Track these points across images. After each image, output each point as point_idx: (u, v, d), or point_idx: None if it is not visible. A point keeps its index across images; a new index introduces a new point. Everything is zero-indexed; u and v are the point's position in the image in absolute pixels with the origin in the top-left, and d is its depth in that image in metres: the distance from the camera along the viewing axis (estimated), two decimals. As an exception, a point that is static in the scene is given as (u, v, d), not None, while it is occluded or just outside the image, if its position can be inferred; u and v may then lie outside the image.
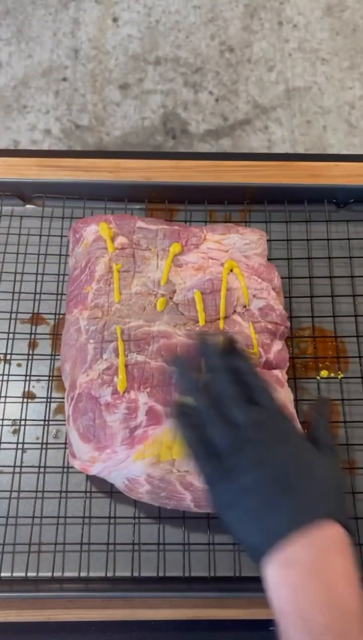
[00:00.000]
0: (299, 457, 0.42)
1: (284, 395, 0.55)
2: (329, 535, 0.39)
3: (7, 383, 0.61)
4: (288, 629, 0.37)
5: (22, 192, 0.68)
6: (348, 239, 0.67)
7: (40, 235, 0.67)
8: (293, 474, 0.41)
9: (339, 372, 0.62)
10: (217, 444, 0.42)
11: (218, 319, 0.56)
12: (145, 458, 0.50)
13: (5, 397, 0.60)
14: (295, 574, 0.38)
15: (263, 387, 0.44)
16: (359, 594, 0.38)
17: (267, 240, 0.62)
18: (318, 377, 0.62)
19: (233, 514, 0.41)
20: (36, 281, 0.64)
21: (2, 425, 0.59)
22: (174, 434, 0.49)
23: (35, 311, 0.64)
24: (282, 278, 0.61)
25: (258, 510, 0.40)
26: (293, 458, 0.42)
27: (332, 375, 0.62)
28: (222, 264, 0.58)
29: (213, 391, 0.44)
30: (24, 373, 0.61)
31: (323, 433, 0.46)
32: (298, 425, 0.48)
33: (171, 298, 0.56)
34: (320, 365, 0.62)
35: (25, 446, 0.59)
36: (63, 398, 0.60)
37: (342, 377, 0.62)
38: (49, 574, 0.54)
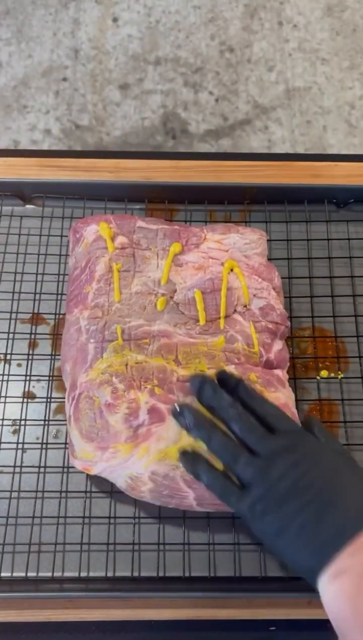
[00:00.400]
0: (332, 471, 0.42)
1: (286, 395, 0.55)
2: None
3: (7, 383, 0.61)
4: (348, 633, 0.38)
5: (22, 192, 0.68)
6: (348, 239, 0.67)
7: (40, 235, 0.67)
8: (331, 488, 0.41)
9: (339, 372, 0.62)
10: (243, 477, 0.43)
11: (219, 318, 0.56)
12: (151, 455, 0.50)
13: (5, 397, 0.60)
14: (349, 582, 0.38)
15: (276, 412, 0.45)
16: None
17: (267, 240, 0.62)
18: (318, 377, 0.62)
19: (282, 541, 0.41)
20: (36, 281, 0.64)
21: (2, 425, 0.59)
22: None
23: (35, 311, 0.64)
24: (282, 278, 0.61)
25: (306, 531, 0.40)
26: (326, 473, 0.42)
27: (332, 375, 0.62)
28: (222, 264, 0.58)
29: (225, 429, 0.45)
30: (24, 373, 0.61)
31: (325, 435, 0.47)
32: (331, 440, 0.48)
33: (171, 297, 0.56)
34: (320, 365, 0.62)
35: (25, 446, 0.59)
36: (63, 398, 0.60)
37: (342, 377, 0.62)
38: (49, 574, 0.54)
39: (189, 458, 0.47)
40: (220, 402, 0.46)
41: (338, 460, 0.44)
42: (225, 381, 0.49)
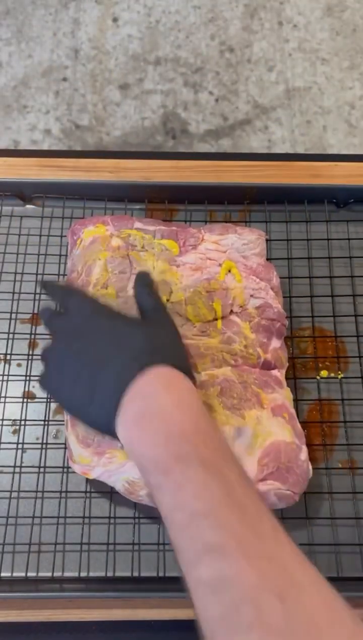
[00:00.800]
0: (114, 329, 0.44)
1: (283, 396, 0.54)
2: (162, 374, 0.41)
3: (7, 383, 0.61)
4: (146, 475, 0.39)
5: (22, 192, 0.68)
6: (348, 239, 0.67)
7: (40, 235, 0.67)
8: (109, 344, 0.43)
9: (339, 372, 0.62)
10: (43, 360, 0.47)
11: (216, 320, 0.56)
12: None
13: (5, 397, 0.60)
14: (133, 414, 0.40)
15: (71, 296, 0.48)
16: (195, 414, 0.40)
17: (267, 240, 0.62)
18: (318, 377, 0.62)
19: (80, 410, 0.44)
20: (36, 281, 0.64)
21: (2, 425, 0.59)
22: None
23: (35, 311, 0.64)
24: (281, 278, 0.61)
25: (92, 390, 0.42)
26: (107, 331, 0.44)
27: (332, 375, 0.62)
28: (220, 265, 0.58)
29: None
30: (24, 373, 0.61)
31: (146, 299, 0.49)
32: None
33: (168, 299, 0.56)
34: (320, 365, 0.62)
35: (25, 446, 0.59)
36: (63, 398, 0.60)
37: (342, 377, 0.62)
38: (49, 574, 0.54)
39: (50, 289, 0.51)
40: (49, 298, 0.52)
41: (121, 322, 0.46)
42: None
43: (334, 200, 0.69)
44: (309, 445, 0.55)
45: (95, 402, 0.42)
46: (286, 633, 0.30)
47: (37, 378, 0.47)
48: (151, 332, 0.45)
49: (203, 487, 0.35)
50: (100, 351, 0.43)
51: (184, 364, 0.44)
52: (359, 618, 0.32)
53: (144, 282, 0.51)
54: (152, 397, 0.40)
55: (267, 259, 0.61)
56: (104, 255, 0.57)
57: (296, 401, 0.59)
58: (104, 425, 0.42)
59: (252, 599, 0.31)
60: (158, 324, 0.48)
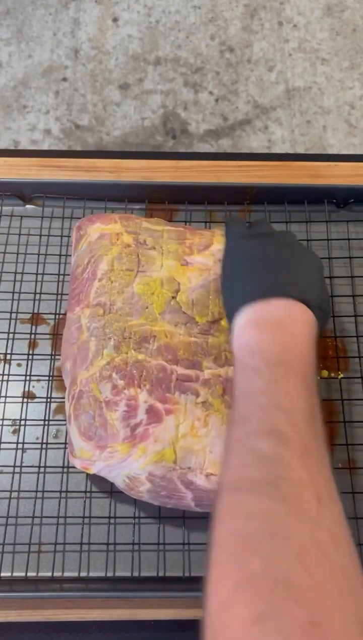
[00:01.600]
0: (301, 252, 0.49)
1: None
2: (301, 310, 0.44)
3: (7, 383, 0.61)
4: (244, 357, 0.42)
5: (22, 192, 0.68)
6: (348, 239, 0.67)
7: (40, 235, 0.67)
8: (281, 261, 0.48)
9: (339, 372, 0.62)
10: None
11: (221, 319, 0.56)
12: (147, 456, 0.50)
13: (5, 397, 0.60)
14: (263, 322, 0.43)
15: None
16: (311, 350, 0.42)
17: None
18: (318, 377, 0.62)
19: (229, 284, 0.49)
20: (36, 281, 0.64)
21: (2, 425, 0.59)
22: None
23: (35, 311, 0.64)
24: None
25: (245, 281, 0.46)
26: (287, 251, 0.49)
27: (332, 375, 0.62)
28: None
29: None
30: (24, 373, 0.61)
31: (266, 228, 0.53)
32: None
33: (174, 297, 0.56)
34: (320, 365, 0.62)
35: (25, 446, 0.59)
36: (63, 398, 0.60)
37: (342, 377, 0.62)
38: (49, 574, 0.54)
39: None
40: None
41: (297, 243, 0.51)
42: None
43: (334, 200, 0.69)
44: (309, 445, 0.54)
45: (237, 290, 0.46)
46: (317, 521, 0.32)
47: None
48: (315, 266, 0.50)
49: (296, 394, 0.38)
50: (277, 263, 0.47)
51: (325, 317, 0.47)
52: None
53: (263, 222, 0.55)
54: (290, 318, 0.43)
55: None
56: (112, 251, 0.57)
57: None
58: (230, 313, 0.46)
59: (295, 485, 0.34)
60: (314, 258, 0.51)
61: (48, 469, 0.58)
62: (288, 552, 0.31)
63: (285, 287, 0.45)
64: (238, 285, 0.47)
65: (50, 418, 0.60)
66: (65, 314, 0.62)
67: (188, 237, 0.59)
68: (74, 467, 0.55)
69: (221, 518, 0.35)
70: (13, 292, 0.64)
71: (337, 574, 0.31)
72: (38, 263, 0.65)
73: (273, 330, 0.42)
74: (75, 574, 0.54)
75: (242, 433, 0.38)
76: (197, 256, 0.58)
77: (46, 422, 0.59)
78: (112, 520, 0.56)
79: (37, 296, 0.64)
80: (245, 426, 0.38)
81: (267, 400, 0.38)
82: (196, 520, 0.55)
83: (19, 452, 0.58)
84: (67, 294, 0.61)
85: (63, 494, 0.57)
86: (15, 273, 0.65)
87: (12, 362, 0.62)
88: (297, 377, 0.39)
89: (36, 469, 0.58)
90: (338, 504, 0.35)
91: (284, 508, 0.33)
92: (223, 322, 0.56)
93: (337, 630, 0.28)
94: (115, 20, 1.64)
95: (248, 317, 0.44)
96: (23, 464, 0.58)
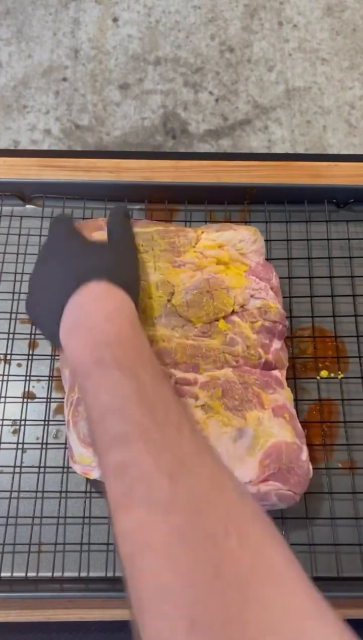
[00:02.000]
0: (78, 247, 0.50)
1: (284, 396, 0.54)
2: (97, 288, 0.45)
3: (7, 383, 0.61)
4: (74, 373, 0.44)
5: (22, 192, 0.68)
6: (348, 239, 0.67)
7: (41, 236, 0.67)
8: (72, 259, 0.49)
9: (339, 372, 0.62)
10: None
11: (217, 320, 0.56)
12: None
13: (5, 397, 0.60)
14: (68, 324, 0.44)
15: (53, 221, 0.55)
16: (117, 326, 0.43)
17: (267, 241, 0.62)
18: (318, 377, 0.62)
19: (38, 316, 0.50)
20: (36, 281, 0.64)
21: (2, 425, 0.59)
22: None
23: (35, 311, 0.64)
24: (281, 278, 0.61)
25: (46, 297, 0.48)
26: (73, 248, 0.50)
27: (332, 375, 0.62)
28: (218, 263, 0.58)
29: None
30: (24, 373, 0.61)
31: (114, 226, 0.54)
32: None
33: (169, 300, 0.56)
34: (320, 365, 0.62)
35: (25, 446, 0.59)
36: (63, 398, 0.60)
37: (342, 377, 0.62)
38: (49, 574, 0.54)
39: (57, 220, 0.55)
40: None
41: (79, 244, 0.51)
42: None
43: (334, 200, 0.69)
44: (309, 445, 0.55)
45: (46, 313, 0.47)
46: (169, 508, 0.33)
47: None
48: (102, 253, 0.51)
49: (116, 386, 0.39)
50: (58, 269, 0.48)
51: (127, 281, 0.48)
52: (245, 491, 0.37)
53: (118, 210, 0.56)
54: (83, 308, 0.44)
55: (267, 259, 0.61)
56: None
57: (296, 401, 0.59)
58: (52, 335, 0.46)
59: (145, 478, 0.34)
60: (115, 248, 0.52)
61: (48, 469, 0.58)
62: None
63: (71, 279, 0.46)
64: (41, 301, 0.49)
65: (50, 418, 0.60)
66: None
67: (177, 237, 0.59)
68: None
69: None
70: (13, 292, 0.64)
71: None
72: (38, 263, 0.65)
73: (81, 332, 0.43)
74: (75, 574, 0.54)
75: (99, 459, 0.38)
76: (186, 255, 0.58)
77: (46, 422, 0.59)
78: (112, 520, 0.56)
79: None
80: (96, 451, 0.39)
81: (98, 412, 0.39)
82: (196, 520, 0.55)
83: (19, 452, 0.58)
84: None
85: (63, 494, 0.57)
86: (15, 273, 0.65)
87: (12, 362, 0.62)
88: (113, 370, 0.40)
89: (36, 469, 0.58)
90: (196, 440, 0.37)
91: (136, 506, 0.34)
92: (220, 324, 0.56)
93: None
94: (115, 20, 1.64)
95: (62, 323, 0.45)
96: (23, 464, 0.58)
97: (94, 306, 0.44)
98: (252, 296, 0.57)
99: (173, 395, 0.40)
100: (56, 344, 0.47)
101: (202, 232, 0.60)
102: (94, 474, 0.52)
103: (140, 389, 0.39)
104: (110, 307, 0.44)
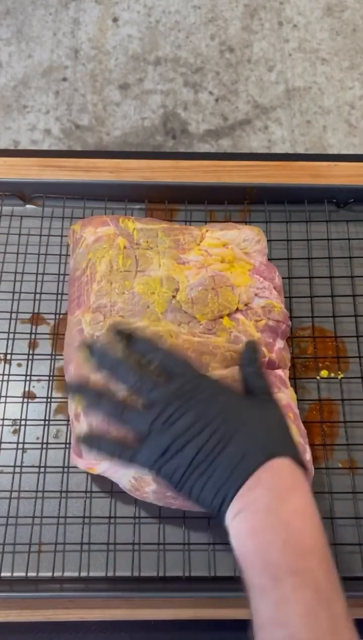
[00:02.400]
0: (228, 411, 0.42)
1: (288, 396, 0.54)
2: (278, 474, 0.40)
3: (7, 383, 0.61)
4: (250, 572, 0.38)
5: (22, 192, 0.68)
6: (348, 239, 0.67)
7: (40, 235, 0.67)
8: (227, 428, 0.41)
9: (339, 372, 0.62)
10: (138, 429, 0.42)
11: (221, 317, 0.56)
12: None
13: (6, 397, 0.60)
14: (252, 519, 0.39)
15: (170, 357, 0.45)
16: (315, 527, 0.39)
17: (267, 240, 0.62)
18: (318, 377, 0.62)
19: (187, 483, 0.41)
20: (36, 281, 0.64)
21: (2, 425, 0.59)
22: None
23: (35, 311, 0.64)
24: (282, 278, 0.61)
25: (206, 470, 0.41)
26: (222, 414, 0.42)
27: (332, 375, 0.62)
28: (223, 261, 0.58)
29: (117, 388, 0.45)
30: (24, 373, 0.61)
31: (256, 379, 0.48)
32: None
33: (174, 296, 0.56)
34: (320, 365, 0.62)
35: (26, 446, 0.59)
36: (63, 398, 0.60)
37: (342, 377, 0.62)
38: (49, 574, 0.54)
39: (88, 440, 0.45)
40: (111, 364, 0.45)
41: (235, 400, 0.44)
42: (120, 336, 0.48)
43: (334, 200, 0.69)
44: (309, 445, 0.55)
45: (210, 481, 0.40)
46: None
47: (137, 451, 0.43)
48: (268, 418, 0.44)
49: (311, 615, 0.35)
50: (220, 430, 0.41)
51: (297, 451, 0.43)
52: None
53: (252, 358, 0.49)
54: (276, 494, 0.39)
55: (268, 259, 0.61)
56: (109, 253, 0.57)
57: (297, 401, 0.59)
58: (214, 505, 0.41)
59: None
60: (271, 409, 0.46)
61: (48, 469, 0.58)
62: None
63: (255, 452, 0.40)
64: (205, 472, 0.41)
65: (51, 418, 0.60)
66: (65, 314, 0.62)
67: (181, 234, 0.59)
68: (74, 467, 0.55)
69: None
70: (13, 292, 0.64)
71: None
72: (38, 263, 0.65)
73: (265, 521, 0.38)
74: (76, 574, 0.54)
75: None
76: (189, 254, 0.58)
77: (46, 422, 0.59)
78: (112, 520, 0.56)
79: (37, 296, 0.64)
80: None
81: (284, 634, 0.35)
82: (196, 520, 0.55)
83: (19, 452, 0.58)
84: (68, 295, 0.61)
85: (63, 494, 0.57)
86: (15, 273, 0.65)
87: (12, 362, 0.62)
88: (309, 591, 0.36)
89: (36, 469, 0.58)
90: None
91: None
92: (224, 321, 0.56)
93: None
94: (115, 20, 1.64)
95: (235, 508, 0.40)
96: (23, 464, 0.58)
97: (286, 496, 0.39)
98: (256, 295, 0.57)
99: (353, 625, 0.37)
100: (213, 513, 0.41)
101: (207, 231, 0.60)
102: (99, 469, 0.52)
103: (334, 627, 0.35)
104: (303, 499, 0.40)
